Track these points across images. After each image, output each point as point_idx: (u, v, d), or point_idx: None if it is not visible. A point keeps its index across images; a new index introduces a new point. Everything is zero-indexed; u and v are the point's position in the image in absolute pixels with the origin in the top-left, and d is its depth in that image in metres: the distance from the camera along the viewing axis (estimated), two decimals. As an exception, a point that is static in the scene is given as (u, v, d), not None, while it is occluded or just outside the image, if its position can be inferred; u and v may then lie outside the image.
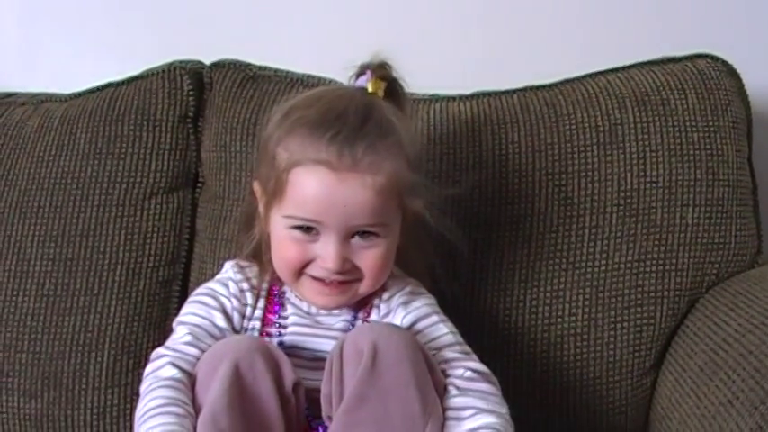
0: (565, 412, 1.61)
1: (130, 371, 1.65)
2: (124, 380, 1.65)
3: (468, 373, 1.35)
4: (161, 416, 1.26)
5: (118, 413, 1.65)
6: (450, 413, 1.30)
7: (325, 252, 1.35)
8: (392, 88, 1.43)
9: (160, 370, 1.34)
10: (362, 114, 1.34)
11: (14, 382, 1.65)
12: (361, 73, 1.43)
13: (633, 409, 1.61)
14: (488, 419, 1.30)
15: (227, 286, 1.44)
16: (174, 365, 1.34)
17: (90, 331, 1.65)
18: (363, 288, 1.39)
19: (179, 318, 1.43)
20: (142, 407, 1.30)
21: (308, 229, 1.35)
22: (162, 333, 1.55)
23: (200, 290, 1.46)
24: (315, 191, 1.32)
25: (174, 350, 1.37)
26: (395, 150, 1.34)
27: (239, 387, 1.26)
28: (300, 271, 1.38)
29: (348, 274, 1.37)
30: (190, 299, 1.46)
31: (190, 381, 1.32)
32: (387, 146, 1.33)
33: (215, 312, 1.41)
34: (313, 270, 1.37)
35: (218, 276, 1.48)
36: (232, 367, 1.26)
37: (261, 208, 1.42)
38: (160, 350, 1.38)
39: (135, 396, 1.41)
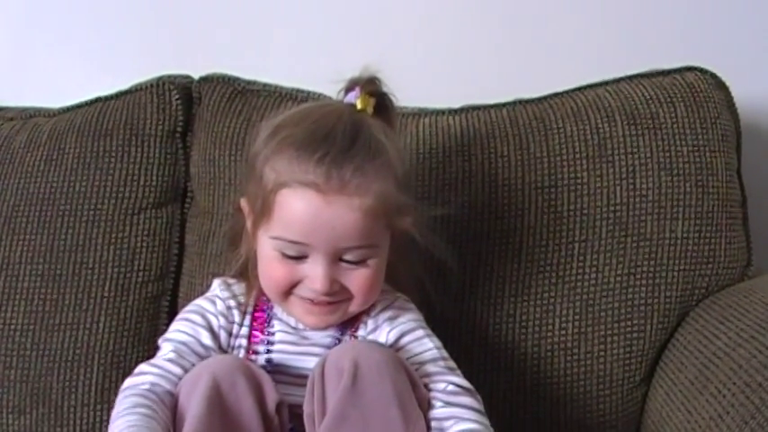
0: (555, 426, 1.60)
1: (119, 387, 1.63)
2: (113, 396, 1.58)
3: (451, 387, 1.35)
4: (127, 416, 1.26)
5: (107, 429, 1.63)
6: (432, 424, 1.30)
7: (314, 274, 1.34)
8: (381, 103, 1.41)
9: (140, 385, 1.34)
10: (351, 134, 1.32)
11: (3, 399, 1.64)
12: (350, 88, 1.41)
13: (623, 423, 1.61)
14: (470, 426, 1.30)
15: (213, 303, 1.44)
16: (155, 383, 1.34)
17: (79, 347, 1.65)
18: (353, 307, 1.39)
19: (165, 335, 1.43)
20: (113, 413, 1.30)
21: (295, 250, 1.34)
22: (151, 348, 1.54)
23: (188, 307, 1.46)
24: (302, 213, 1.31)
25: (157, 367, 1.36)
26: (384, 171, 1.33)
27: (221, 407, 1.25)
28: (288, 291, 1.37)
29: (337, 295, 1.36)
30: (178, 316, 1.45)
31: (170, 399, 1.32)
32: (375, 167, 1.32)
33: (201, 330, 1.41)
34: (301, 291, 1.36)
35: (206, 294, 1.47)
36: (213, 387, 1.25)
37: (248, 225, 1.41)
38: (143, 366, 1.37)
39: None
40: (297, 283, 1.36)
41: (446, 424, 1.30)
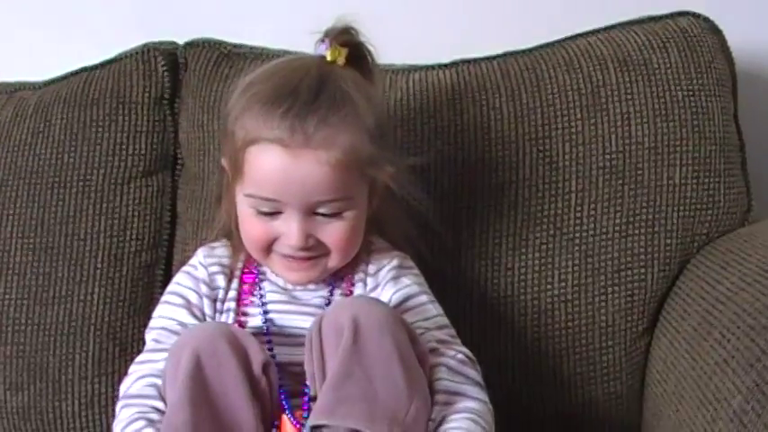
0: (558, 381, 1.59)
1: (117, 358, 1.64)
2: (111, 368, 1.63)
3: (461, 356, 1.34)
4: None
5: (106, 402, 1.63)
6: (440, 396, 1.29)
7: (288, 229, 1.34)
8: (356, 54, 1.40)
9: (131, 388, 1.35)
10: (316, 87, 1.32)
11: None
12: (322, 40, 1.40)
13: (628, 374, 1.60)
14: (472, 404, 1.29)
15: (191, 275, 1.44)
16: (143, 377, 1.34)
17: (74, 320, 1.63)
18: (332, 262, 1.38)
19: (149, 324, 1.44)
20: (114, 426, 1.32)
21: (269, 206, 1.34)
22: (147, 318, 1.51)
23: (167, 288, 1.47)
24: (270, 170, 1.31)
25: (142, 362, 1.37)
26: (350, 122, 1.32)
27: (201, 377, 1.24)
28: (268, 248, 1.38)
29: (314, 249, 1.36)
30: (160, 300, 1.46)
31: (161, 382, 1.32)
32: (341, 118, 1.31)
33: (179, 310, 1.41)
34: (279, 247, 1.37)
35: (188, 263, 1.47)
36: (193, 358, 1.24)
37: (229, 184, 1.41)
38: (131, 367, 1.38)
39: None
40: (274, 240, 1.36)
41: (455, 398, 1.29)
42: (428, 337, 1.35)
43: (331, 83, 1.33)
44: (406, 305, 1.40)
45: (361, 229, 1.40)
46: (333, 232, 1.35)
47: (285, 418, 1.28)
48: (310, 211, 1.33)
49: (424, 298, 1.42)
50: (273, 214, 1.34)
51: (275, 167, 1.31)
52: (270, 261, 1.40)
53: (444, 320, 1.41)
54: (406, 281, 1.43)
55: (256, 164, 1.32)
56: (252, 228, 1.37)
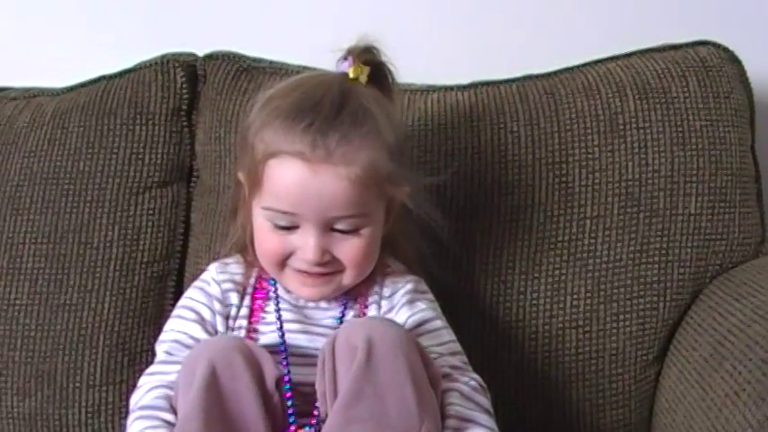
0: (567, 406, 1.59)
1: (125, 368, 1.63)
2: (119, 377, 1.63)
3: (473, 383, 1.34)
4: None
5: (113, 411, 1.63)
6: (452, 422, 1.28)
7: (305, 244, 1.34)
8: (377, 73, 1.41)
9: (141, 400, 1.34)
10: (338, 103, 1.32)
11: (7, 381, 1.63)
12: (344, 57, 1.40)
13: (637, 402, 1.59)
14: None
15: (205, 291, 1.44)
16: (154, 389, 1.34)
17: (84, 328, 1.63)
18: (347, 280, 1.38)
19: (160, 336, 1.43)
20: None
21: (286, 220, 1.34)
22: (157, 329, 1.52)
23: (180, 302, 1.46)
24: (289, 183, 1.31)
25: (152, 374, 1.37)
26: (371, 139, 1.32)
27: (216, 387, 1.24)
28: (283, 263, 1.37)
29: (329, 266, 1.36)
30: (172, 313, 1.45)
31: (173, 394, 1.32)
32: (362, 135, 1.31)
33: (192, 324, 1.41)
34: (294, 262, 1.37)
35: (201, 277, 1.47)
36: (209, 368, 1.24)
37: (246, 198, 1.41)
38: (141, 379, 1.38)
39: (131, 393, 1.38)
40: (290, 254, 1.36)
41: (466, 425, 1.28)
42: (441, 362, 1.35)
43: (353, 99, 1.33)
44: (421, 329, 1.40)
45: (377, 247, 1.40)
46: (349, 249, 1.35)
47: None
48: (327, 227, 1.33)
49: (438, 323, 1.42)
50: (290, 228, 1.34)
51: (294, 181, 1.31)
52: (284, 276, 1.39)
53: (457, 347, 1.41)
54: (421, 305, 1.42)
55: (275, 177, 1.32)
56: (267, 241, 1.37)
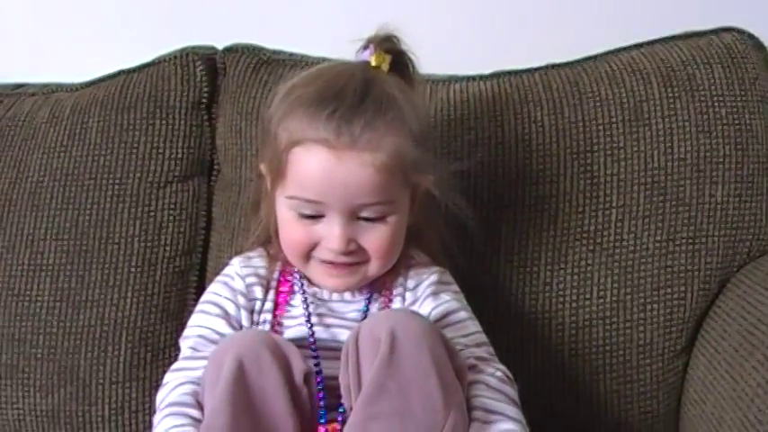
0: (594, 398, 1.57)
1: (148, 364, 1.63)
2: (142, 373, 1.62)
3: (499, 374, 1.33)
4: None
5: (137, 407, 1.62)
6: (478, 414, 1.27)
7: (330, 233, 1.33)
8: (399, 61, 1.40)
9: (168, 396, 1.33)
10: (361, 91, 1.31)
11: (30, 378, 1.63)
12: (365, 46, 1.40)
13: (665, 393, 1.58)
14: (510, 426, 1.27)
15: (229, 286, 1.43)
16: (180, 385, 1.33)
17: (106, 324, 1.62)
18: (372, 270, 1.37)
19: (184, 332, 1.42)
20: None
21: (311, 209, 1.33)
22: (180, 324, 1.52)
23: (203, 296, 1.45)
24: (314, 171, 1.30)
25: (178, 370, 1.36)
26: (396, 126, 1.31)
27: (243, 382, 1.23)
28: (308, 254, 1.36)
29: (355, 255, 1.35)
30: (196, 308, 1.45)
31: (199, 390, 1.31)
32: (386, 122, 1.30)
33: (216, 319, 1.40)
34: (320, 253, 1.36)
35: (224, 272, 1.46)
36: (236, 363, 1.23)
37: (267, 189, 1.41)
38: (167, 375, 1.37)
39: (154, 390, 1.39)
40: (315, 244, 1.35)
41: (493, 417, 1.27)
42: (467, 354, 1.33)
43: (376, 87, 1.33)
44: (446, 321, 1.39)
45: (402, 237, 1.39)
46: (374, 238, 1.34)
47: (331, 428, 1.27)
48: (353, 215, 1.32)
49: (463, 314, 1.41)
50: (315, 218, 1.33)
51: (320, 168, 1.30)
52: (309, 268, 1.38)
53: (483, 338, 1.40)
54: (445, 296, 1.41)
55: (300, 165, 1.32)
56: (292, 232, 1.36)
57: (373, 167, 1.29)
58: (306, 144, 1.30)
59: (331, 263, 1.35)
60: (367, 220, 1.33)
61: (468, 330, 1.39)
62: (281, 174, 1.34)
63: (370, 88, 1.32)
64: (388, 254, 1.37)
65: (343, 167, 1.29)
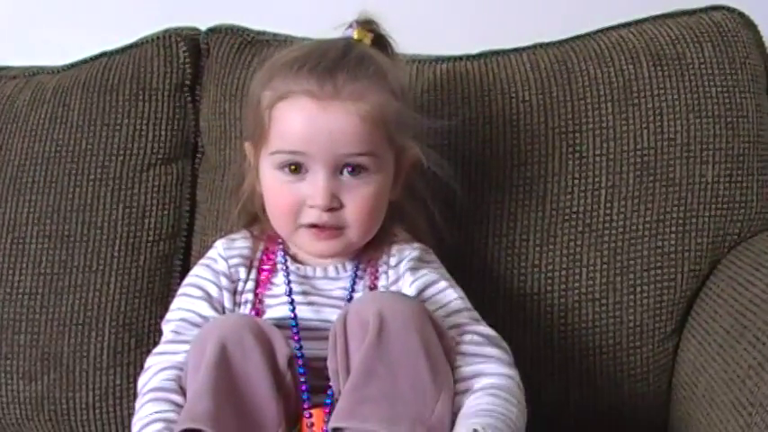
0: (584, 380, 1.56)
1: (132, 349, 1.61)
2: (126, 359, 1.61)
3: (476, 338, 1.32)
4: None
5: (121, 393, 1.61)
6: (460, 385, 1.26)
7: (314, 187, 1.33)
8: (379, 42, 1.43)
9: (150, 382, 1.32)
10: (343, 49, 1.35)
11: (13, 365, 1.61)
12: (348, 27, 1.43)
13: (655, 376, 1.56)
14: (493, 380, 1.26)
15: (211, 268, 1.42)
16: (162, 370, 1.32)
17: (89, 309, 1.61)
18: (354, 234, 1.37)
19: (167, 315, 1.42)
20: (134, 422, 1.29)
21: (295, 167, 1.33)
22: (164, 309, 1.50)
23: (186, 279, 1.45)
24: (298, 121, 1.32)
25: (160, 354, 1.36)
26: (377, 80, 1.34)
27: (226, 367, 1.22)
28: (294, 220, 1.36)
29: (337, 217, 1.34)
30: (178, 291, 1.44)
31: (182, 375, 1.30)
32: (368, 75, 1.33)
33: (198, 302, 1.39)
34: (305, 216, 1.35)
35: (207, 254, 1.45)
36: (219, 347, 1.23)
37: (252, 162, 1.41)
38: (149, 359, 1.36)
39: (138, 375, 1.37)
40: (300, 206, 1.35)
41: (472, 382, 1.27)
42: (446, 324, 1.32)
43: (358, 48, 1.37)
44: (425, 294, 1.38)
45: (384, 203, 1.39)
46: (357, 196, 1.34)
47: (316, 412, 1.26)
48: (337, 169, 1.33)
49: (443, 284, 1.39)
50: (299, 173, 1.34)
51: (304, 118, 1.32)
52: (297, 237, 1.38)
53: (464, 303, 1.38)
54: (424, 270, 1.40)
55: (284, 117, 1.33)
56: (278, 196, 1.36)
57: (357, 116, 1.31)
58: (290, 98, 1.33)
59: (315, 226, 1.35)
60: (351, 173, 1.33)
61: (447, 299, 1.38)
62: (264, 134, 1.35)
63: (352, 48, 1.36)
64: (370, 216, 1.37)
65: (328, 116, 1.31)
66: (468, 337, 1.31)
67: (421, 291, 1.38)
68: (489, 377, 1.27)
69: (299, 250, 1.42)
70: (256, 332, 1.24)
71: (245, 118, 1.49)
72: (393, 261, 1.41)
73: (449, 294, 1.38)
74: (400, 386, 1.20)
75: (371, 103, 1.31)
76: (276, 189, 1.36)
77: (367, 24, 1.42)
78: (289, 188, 1.34)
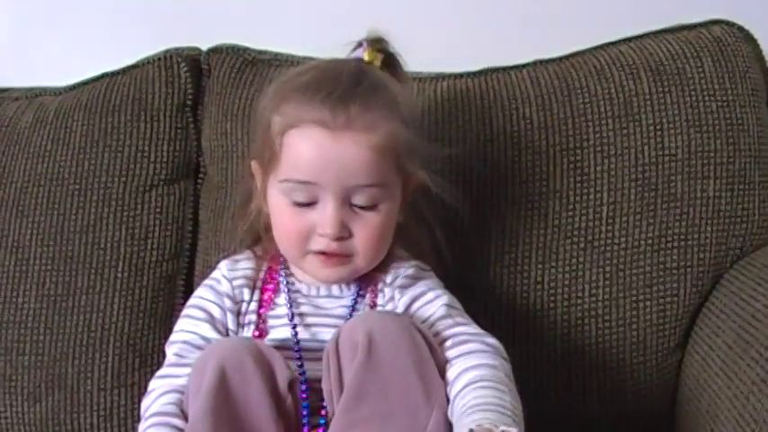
0: (588, 395, 1.56)
1: (136, 370, 1.61)
2: (130, 379, 1.61)
3: (456, 339, 1.31)
4: None
5: (125, 414, 1.61)
6: (447, 388, 1.26)
7: (323, 216, 1.32)
8: (389, 62, 1.42)
9: (152, 406, 1.32)
10: (356, 76, 1.33)
11: (17, 386, 1.61)
12: (358, 45, 1.42)
13: (659, 391, 1.57)
14: (476, 373, 1.25)
15: (215, 290, 1.42)
16: (164, 394, 1.32)
17: (93, 330, 1.61)
18: (361, 261, 1.36)
19: (170, 337, 1.41)
20: None
21: (305, 192, 1.32)
22: (167, 330, 1.50)
23: (189, 301, 1.44)
24: (310, 151, 1.31)
25: (162, 377, 1.35)
26: (389, 110, 1.33)
27: (225, 391, 1.22)
28: (303, 246, 1.35)
29: (345, 245, 1.34)
30: (182, 313, 1.44)
31: (184, 398, 1.30)
32: (380, 106, 1.32)
33: (202, 324, 1.39)
34: (314, 244, 1.34)
35: (210, 275, 1.45)
36: (218, 371, 1.23)
37: (259, 184, 1.40)
38: (152, 382, 1.36)
39: (142, 396, 1.37)
40: (309, 233, 1.34)
41: (457, 383, 1.25)
42: (431, 332, 1.32)
43: (370, 74, 1.35)
44: (413, 307, 1.38)
45: (392, 230, 1.38)
46: (365, 226, 1.33)
47: None
48: (346, 199, 1.32)
49: (430, 295, 1.39)
50: (309, 205, 1.33)
51: (315, 148, 1.30)
52: (304, 262, 1.37)
53: (447, 310, 1.37)
54: (412, 287, 1.40)
55: (296, 146, 1.32)
56: (287, 222, 1.35)
57: (368, 147, 1.30)
58: (301, 126, 1.31)
59: (324, 253, 1.34)
60: (360, 207, 1.33)
61: (433, 309, 1.37)
62: (274, 159, 1.34)
63: (365, 74, 1.35)
64: (378, 244, 1.36)
65: (339, 147, 1.29)
66: (448, 342, 1.31)
67: (408, 306, 1.38)
68: (471, 371, 1.25)
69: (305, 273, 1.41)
70: (256, 355, 1.24)
71: (253, 137, 1.48)
72: (389, 279, 1.41)
73: (434, 304, 1.38)
74: (392, 405, 1.20)
75: (382, 135, 1.30)
76: (285, 215, 1.35)
77: (377, 43, 1.41)
78: (298, 216, 1.34)
